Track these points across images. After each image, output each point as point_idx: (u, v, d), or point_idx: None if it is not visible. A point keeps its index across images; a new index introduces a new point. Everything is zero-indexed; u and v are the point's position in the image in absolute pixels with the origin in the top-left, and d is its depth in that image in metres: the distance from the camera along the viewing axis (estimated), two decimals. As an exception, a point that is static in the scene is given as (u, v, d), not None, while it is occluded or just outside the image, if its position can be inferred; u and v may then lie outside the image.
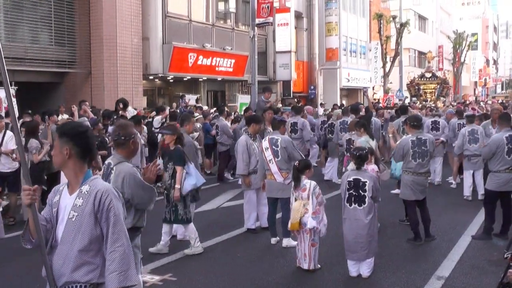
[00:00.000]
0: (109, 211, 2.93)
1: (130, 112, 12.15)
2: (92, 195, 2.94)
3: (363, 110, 12.83)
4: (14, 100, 11.40)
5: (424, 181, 7.80)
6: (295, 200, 6.54)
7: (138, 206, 4.50)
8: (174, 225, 8.07)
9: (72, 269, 2.91)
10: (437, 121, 12.89)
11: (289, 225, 6.59)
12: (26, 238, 3.04)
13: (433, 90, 30.03)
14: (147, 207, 4.55)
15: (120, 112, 11.76)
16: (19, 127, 3.28)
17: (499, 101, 33.84)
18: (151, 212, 4.73)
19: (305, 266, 6.44)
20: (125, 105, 12.21)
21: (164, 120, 12.79)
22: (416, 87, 30.30)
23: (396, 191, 9.90)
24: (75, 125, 3.19)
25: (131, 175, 4.45)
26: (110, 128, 10.13)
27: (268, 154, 7.66)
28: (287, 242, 7.44)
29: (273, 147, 7.65)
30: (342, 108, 15.97)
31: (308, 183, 6.49)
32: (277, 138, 7.72)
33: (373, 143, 8.87)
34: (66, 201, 3.02)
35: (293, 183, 6.68)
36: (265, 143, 7.79)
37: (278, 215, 7.88)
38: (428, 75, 30.76)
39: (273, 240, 7.71)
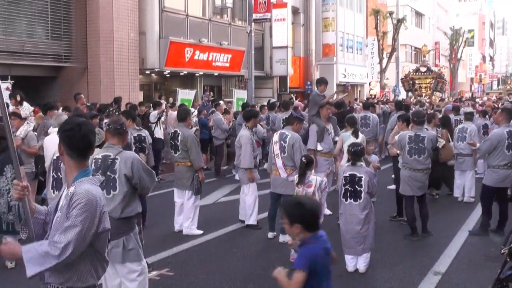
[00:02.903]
0: (72, 210, 2.75)
1: (25, 108, 10.72)
2: (70, 197, 2.81)
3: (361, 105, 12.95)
4: (7, 93, 11.30)
5: (422, 178, 7.73)
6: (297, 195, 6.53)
7: (141, 191, 4.83)
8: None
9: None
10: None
11: None
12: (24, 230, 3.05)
13: (428, 84, 29.22)
14: (148, 192, 5.01)
15: (13, 107, 10.28)
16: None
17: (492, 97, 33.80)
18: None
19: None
20: (22, 99, 10.72)
21: (160, 115, 12.71)
22: (411, 82, 29.67)
23: (392, 186, 9.89)
24: (65, 122, 3.06)
25: (138, 160, 4.79)
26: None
27: (276, 148, 7.52)
28: (283, 237, 7.42)
29: (282, 142, 7.49)
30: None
31: (314, 179, 6.51)
32: (288, 134, 7.54)
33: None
34: (62, 199, 2.97)
35: (297, 179, 6.64)
36: (276, 137, 7.66)
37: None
38: (423, 69, 29.90)
39: (270, 235, 7.70)
